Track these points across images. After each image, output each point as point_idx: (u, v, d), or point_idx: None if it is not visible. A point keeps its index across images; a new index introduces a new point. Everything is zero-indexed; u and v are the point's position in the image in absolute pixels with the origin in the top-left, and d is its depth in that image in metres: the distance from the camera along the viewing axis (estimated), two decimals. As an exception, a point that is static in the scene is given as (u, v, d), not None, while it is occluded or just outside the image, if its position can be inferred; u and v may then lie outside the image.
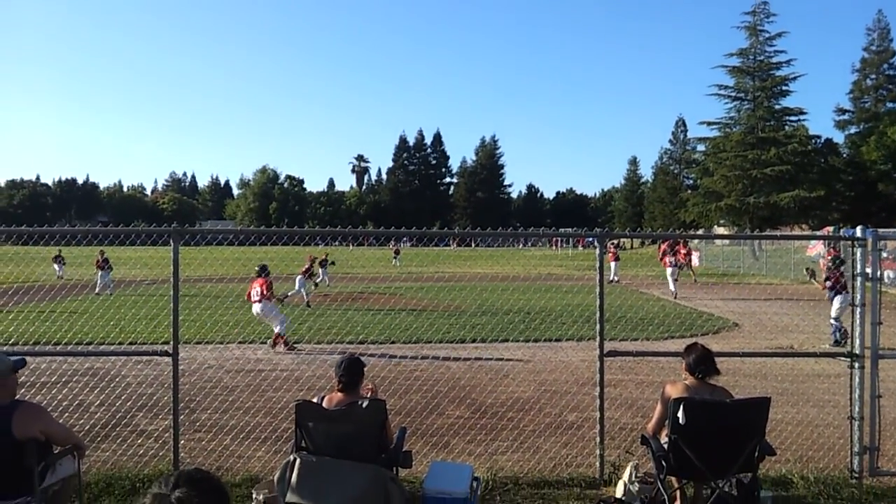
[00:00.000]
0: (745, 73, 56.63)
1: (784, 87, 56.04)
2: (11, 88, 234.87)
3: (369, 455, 4.91)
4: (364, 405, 4.92)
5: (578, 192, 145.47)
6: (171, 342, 6.13)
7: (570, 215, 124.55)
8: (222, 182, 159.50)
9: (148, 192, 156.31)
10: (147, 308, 17.34)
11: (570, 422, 7.95)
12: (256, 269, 13.92)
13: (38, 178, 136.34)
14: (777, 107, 56.31)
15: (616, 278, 29.46)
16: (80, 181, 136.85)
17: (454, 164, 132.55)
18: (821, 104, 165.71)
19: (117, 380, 9.76)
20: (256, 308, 13.48)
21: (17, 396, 4.89)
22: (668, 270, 24.81)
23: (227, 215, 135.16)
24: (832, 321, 13.81)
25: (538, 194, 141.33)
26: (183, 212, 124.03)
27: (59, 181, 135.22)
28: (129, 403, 8.47)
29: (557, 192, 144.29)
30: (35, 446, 4.58)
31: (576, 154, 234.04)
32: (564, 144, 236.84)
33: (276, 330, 13.18)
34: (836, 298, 13.94)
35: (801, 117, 57.03)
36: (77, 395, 8.73)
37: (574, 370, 10.82)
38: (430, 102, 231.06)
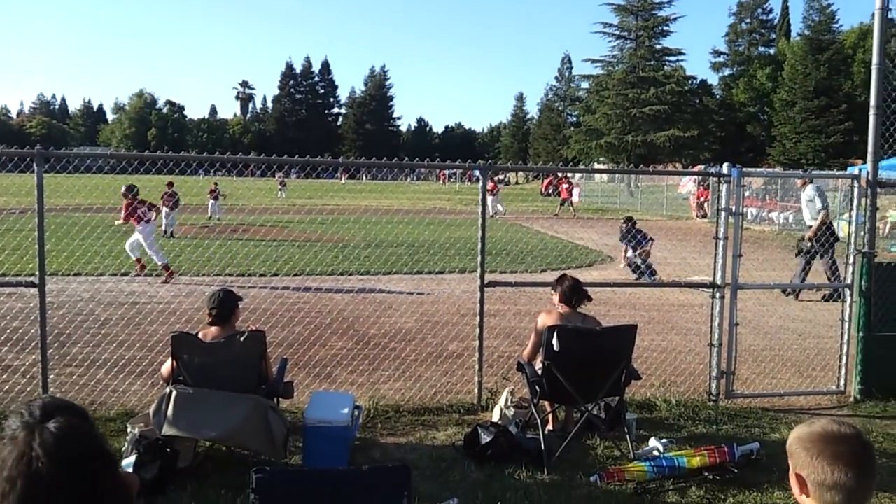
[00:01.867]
0: (628, 11, 57.93)
1: (665, 28, 57.90)
2: None
3: (249, 386, 4.91)
4: (242, 338, 4.89)
5: (467, 127, 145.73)
6: (38, 272, 5.84)
7: (458, 150, 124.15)
8: (95, 106, 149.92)
9: (13, 115, 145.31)
10: (13, 238, 16.31)
11: (451, 351, 8.17)
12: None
13: None
14: (658, 47, 58.16)
15: (494, 213, 30.19)
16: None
17: (343, 94, 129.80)
18: (698, 46, 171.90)
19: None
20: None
21: None
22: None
23: (101, 141, 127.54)
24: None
25: (427, 128, 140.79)
26: (53, 136, 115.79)
27: None
28: (-6, 338, 8.04)
29: (446, 127, 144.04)
30: None
31: (465, 89, 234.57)
32: (454, 79, 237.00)
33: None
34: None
35: (680, 58, 59.25)
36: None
37: (456, 301, 11.05)
38: (318, 29, 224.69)
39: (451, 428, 5.88)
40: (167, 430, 4.68)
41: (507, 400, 5.91)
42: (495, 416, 5.84)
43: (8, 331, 8.39)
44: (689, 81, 60.23)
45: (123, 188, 13.68)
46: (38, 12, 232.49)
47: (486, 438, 5.18)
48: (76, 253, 13.44)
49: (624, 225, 14.56)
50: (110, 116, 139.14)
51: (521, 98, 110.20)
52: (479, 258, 6.45)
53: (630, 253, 14.37)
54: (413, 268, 14.02)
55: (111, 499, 1.84)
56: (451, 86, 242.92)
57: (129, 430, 5.02)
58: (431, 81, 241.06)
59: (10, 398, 6.19)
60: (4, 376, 6.82)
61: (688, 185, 36.17)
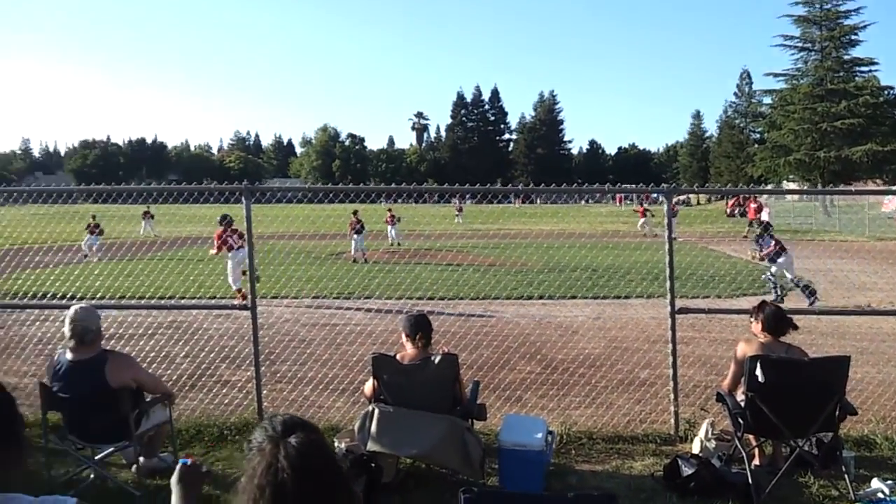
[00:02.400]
0: (811, 22, 54.17)
1: (853, 37, 53.46)
2: (82, 52, 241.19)
3: (444, 407, 5.05)
4: (437, 360, 5.05)
5: (641, 147, 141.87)
6: (250, 296, 6.36)
7: (632, 171, 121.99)
8: (285, 141, 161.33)
9: (214, 151, 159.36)
10: (223, 264, 17.80)
11: (643, 379, 7.96)
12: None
13: (108, 138, 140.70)
14: (846, 57, 53.80)
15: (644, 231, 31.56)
16: (149, 141, 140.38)
17: (513, 120, 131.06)
18: (893, 54, 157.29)
19: (199, 333, 10.13)
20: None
21: (107, 348, 5.15)
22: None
23: (291, 173, 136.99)
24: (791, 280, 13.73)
25: (599, 150, 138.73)
26: (249, 170, 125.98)
27: (130, 141, 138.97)
28: (212, 355, 8.81)
29: (619, 148, 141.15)
30: (128, 394, 4.84)
31: (638, 109, 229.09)
32: (626, 99, 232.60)
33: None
34: (778, 261, 13.71)
35: (872, 68, 54.37)
36: (163, 347, 9.11)
37: (644, 327, 10.78)
38: (486, 58, 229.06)
39: (648, 458, 5.72)
40: (371, 447, 4.91)
41: (707, 431, 5.66)
42: (695, 448, 5.62)
43: (225, 349, 9.19)
44: (885, 92, 55.14)
45: (218, 218, 14.30)
46: (235, 57, 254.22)
47: (687, 470, 4.99)
48: (279, 277, 14.51)
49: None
50: (298, 150, 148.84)
51: (698, 116, 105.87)
52: (667, 283, 6.27)
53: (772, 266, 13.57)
54: (595, 292, 13.84)
55: None
56: (624, 106, 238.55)
57: (336, 444, 5.32)
58: (602, 103, 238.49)
59: (229, 411, 6.74)
60: (224, 391, 7.46)
61: (893, 203, 33.15)
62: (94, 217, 23.66)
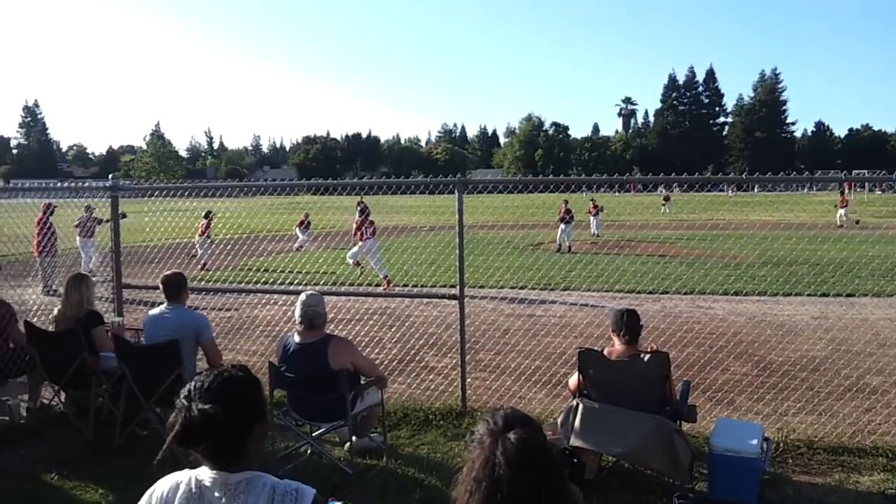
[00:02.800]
0: None
1: None
2: (307, 57, 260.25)
3: (652, 407, 4.87)
4: (646, 358, 4.88)
5: (876, 128, 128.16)
6: (458, 287, 6.51)
7: (865, 155, 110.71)
8: (490, 131, 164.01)
9: (423, 143, 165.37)
10: (426, 253, 18.44)
11: (873, 386, 7.22)
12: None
13: (328, 133, 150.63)
14: None
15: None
16: (363, 135, 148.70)
17: (729, 102, 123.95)
18: None
19: (406, 320, 10.57)
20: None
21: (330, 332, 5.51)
22: None
23: (494, 164, 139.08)
24: None
25: (827, 132, 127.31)
26: (454, 161, 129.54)
27: (347, 136, 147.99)
28: (419, 341, 9.14)
29: (850, 130, 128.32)
30: (347, 376, 5.14)
31: (873, 85, 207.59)
32: (858, 75, 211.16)
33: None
34: None
35: None
36: (371, 332, 9.60)
37: (874, 329, 9.79)
38: (701, 38, 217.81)
39: (878, 473, 5.18)
40: (574, 442, 4.86)
41: (952, 449, 5.04)
42: (937, 467, 5.01)
43: (430, 336, 9.50)
44: None
45: (359, 207, 15.65)
46: (441, 52, 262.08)
47: (927, 491, 4.47)
48: (479, 267, 14.79)
49: None
50: (502, 140, 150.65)
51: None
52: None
53: None
54: (817, 289, 12.75)
55: None
56: (856, 83, 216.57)
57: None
58: (831, 80, 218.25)
59: (434, 396, 6.96)
60: (430, 377, 7.72)
61: None
62: (306, 215, 25.31)
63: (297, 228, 24.71)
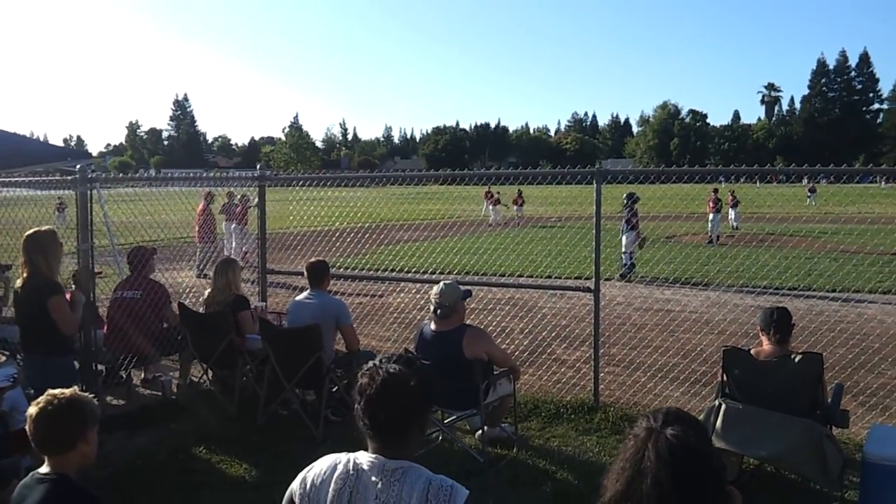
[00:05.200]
0: None
1: None
2: (434, 44, 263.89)
3: (801, 410, 4.63)
4: (797, 359, 4.64)
5: None
6: (594, 279, 6.41)
7: None
8: (622, 120, 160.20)
9: (552, 133, 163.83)
10: (554, 244, 18.26)
11: None
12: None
13: (457, 124, 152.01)
14: None
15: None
16: (492, 125, 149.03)
17: (885, 87, 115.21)
18: None
19: (535, 310, 10.52)
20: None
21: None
22: None
23: (626, 153, 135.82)
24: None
25: None
26: (584, 151, 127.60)
27: (475, 126, 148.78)
28: (549, 333, 9.09)
29: None
30: (480, 366, 5.18)
31: None
32: None
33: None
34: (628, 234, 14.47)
35: None
36: (501, 321, 9.62)
37: None
38: (856, 19, 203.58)
39: None
40: (715, 443, 4.65)
41: None
42: None
43: (559, 328, 9.42)
44: None
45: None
46: (568, 37, 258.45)
47: None
48: (614, 261, 14.51)
49: None
50: (635, 129, 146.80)
51: None
52: None
53: None
54: None
55: None
56: None
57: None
58: None
59: (565, 389, 6.90)
60: (561, 369, 7.65)
61: None
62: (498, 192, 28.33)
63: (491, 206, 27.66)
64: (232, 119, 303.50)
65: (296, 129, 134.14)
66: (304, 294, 6.22)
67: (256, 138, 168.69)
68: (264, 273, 8.19)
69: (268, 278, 8.41)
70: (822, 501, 4.56)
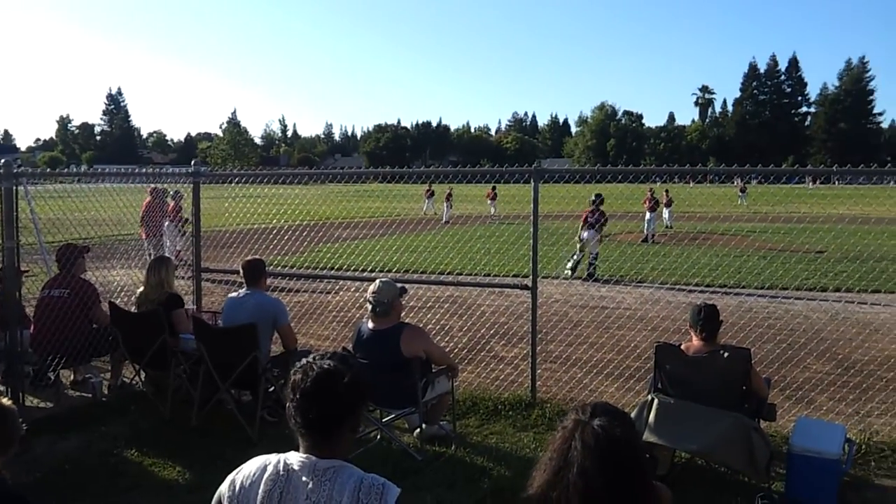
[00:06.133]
0: None
1: None
2: (382, 42, 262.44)
3: (730, 404, 4.76)
4: (726, 354, 4.77)
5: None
6: (531, 276, 6.47)
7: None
8: (561, 120, 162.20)
9: (492, 132, 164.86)
10: (494, 243, 18.37)
11: (965, 389, 6.88)
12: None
13: (398, 122, 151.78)
14: None
15: None
16: (433, 124, 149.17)
17: (812, 91, 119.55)
18: None
19: (474, 308, 10.57)
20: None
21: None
22: None
23: (565, 153, 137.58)
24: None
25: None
26: (524, 150, 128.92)
27: (417, 124, 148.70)
28: (488, 331, 9.13)
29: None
30: (418, 364, 5.18)
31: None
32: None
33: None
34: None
35: None
36: (440, 319, 9.63)
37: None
38: (785, 24, 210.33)
39: (970, 481, 4.95)
40: (648, 437, 4.77)
41: None
42: None
43: (498, 325, 9.49)
44: None
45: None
46: (511, 40, 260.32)
47: None
48: (551, 258, 14.67)
49: None
50: (574, 129, 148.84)
51: None
52: None
53: None
54: (903, 286, 12.22)
55: (640, 500, 1.96)
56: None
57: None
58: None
59: (503, 386, 6.95)
60: (500, 366, 7.70)
61: None
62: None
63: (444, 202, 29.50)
64: (168, 114, 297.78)
65: (234, 124, 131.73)
66: (240, 293, 6.11)
67: (193, 134, 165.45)
68: (199, 271, 8.03)
69: (203, 277, 8.25)
70: (750, 493, 4.69)
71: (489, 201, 33.04)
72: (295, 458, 2.10)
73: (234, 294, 6.18)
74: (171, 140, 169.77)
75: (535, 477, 2.00)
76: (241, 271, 6.11)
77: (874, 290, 12.00)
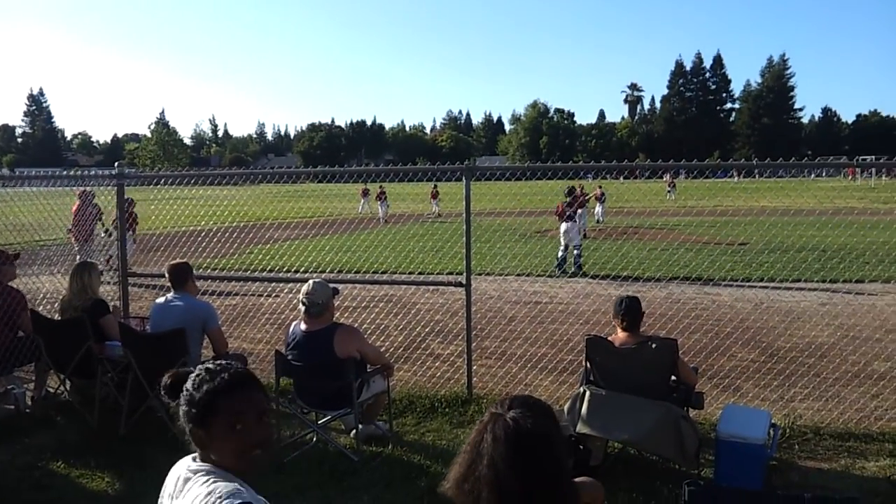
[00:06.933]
0: None
1: None
2: (312, 43, 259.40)
3: (659, 393, 4.87)
4: (654, 345, 4.88)
5: (885, 113, 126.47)
6: (465, 273, 6.50)
7: (874, 141, 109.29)
8: (495, 118, 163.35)
9: (427, 130, 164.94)
10: (431, 240, 18.40)
11: (881, 372, 7.19)
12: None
13: (332, 121, 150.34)
14: None
15: None
16: (368, 123, 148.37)
17: (736, 88, 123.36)
18: None
19: (410, 307, 10.57)
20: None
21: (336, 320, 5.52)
22: None
23: (499, 151, 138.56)
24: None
25: (834, 118, 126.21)
26: (459, 149, 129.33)
27: (351, 123, 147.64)
28: (424, 328, 9.14)
29: (858, 116, 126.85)
30: (353, 364, 5.14)
31: (884, 70, 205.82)
32: (869, 59, 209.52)
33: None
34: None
35: None
36: (376, 319, 9.60)
37: (880, 315, 9.76)
38: (710, 23, 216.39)
39: (884, 459, 5.18)
40: (581, 429, 4.85)
41: (961, 435, 5.02)
42: (943, 452, 5.00)
43: (434, 323, 9.51)
44: None
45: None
46: (449, 36, 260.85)
47: (935, 477, 4.46)
48: (485, 255, 14.77)
49: None
50: (507, 127, 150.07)
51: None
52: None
53: None
54: (824, 275, 12.72)
55: (551, 493, 1.96)
56: (866, 68, 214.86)
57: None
58: (840, 65, 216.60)
59: (440, 384, 6.96)
60: (436, 364, 7.72)
61: None
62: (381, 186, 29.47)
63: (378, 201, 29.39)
64: (93, 115, 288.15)
65: (162, 125, 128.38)
66: (167, 297, 5.96)
67: (120, 135, 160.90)
68: (125, 276, 7.81)
69: (130, 282, 8.02)
70: (681, 480, 4.81)
71: (432, 200, 32.98)
72: (186, 463, 2.07)
73: (160, 299, 6.02)
74: (97, 142, 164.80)
75: (451, 470, 2.00)
76: (168, 275, 5.96)
77: (796, 280, 12.49)
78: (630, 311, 5.00)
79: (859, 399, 6.41)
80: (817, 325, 9.34)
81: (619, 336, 5.05)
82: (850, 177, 68.30)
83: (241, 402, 1.99)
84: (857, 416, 5.95)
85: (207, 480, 1.95)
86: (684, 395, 5.00)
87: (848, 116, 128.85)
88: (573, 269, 14.50)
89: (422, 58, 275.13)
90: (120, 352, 5.88)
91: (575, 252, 14.79)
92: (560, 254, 14.83)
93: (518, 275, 13.83)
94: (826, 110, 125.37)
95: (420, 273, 13.47)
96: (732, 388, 6.80)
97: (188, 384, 2.03)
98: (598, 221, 26.41)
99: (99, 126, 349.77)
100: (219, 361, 2.09)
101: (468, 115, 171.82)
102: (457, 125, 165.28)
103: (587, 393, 4.90)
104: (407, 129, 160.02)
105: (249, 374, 2.09)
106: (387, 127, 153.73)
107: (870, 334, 8.66)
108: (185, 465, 2.05)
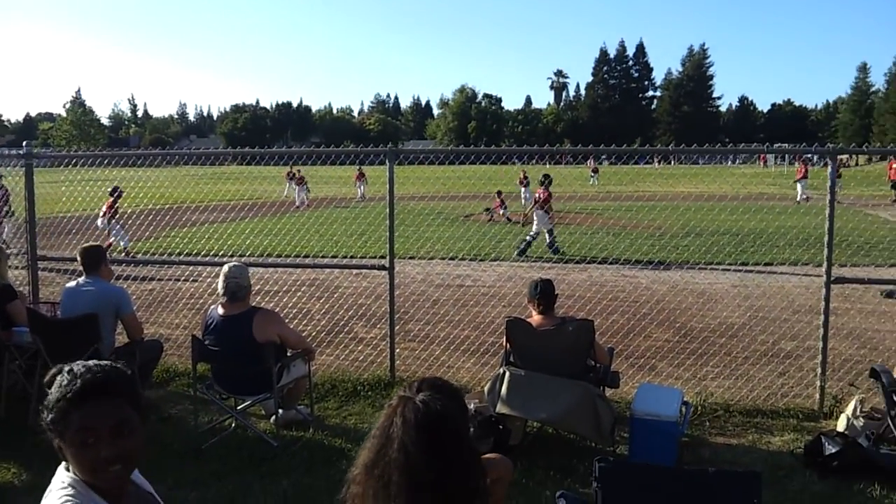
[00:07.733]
0: None
1: None
2: (234, 21, 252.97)
3: (576, 374, 4.98)
4: (571, 327, 4.98)
5: (797, 103, 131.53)
6: (388, 257, 6.49)
7: (787, 130, 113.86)
8: (423, 103, 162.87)
9: (355, 114, 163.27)
10: (356, 224, 18.30)
11: (787, 351, 7.53)
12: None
13: (257, 102, 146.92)
14: None
15: (803, 198, 27.47)
16: (294, 105, 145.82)
17: (658, 76, 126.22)
18: None
19: (334, 291, 10.50)
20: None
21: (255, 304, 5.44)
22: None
23: (427, 135, 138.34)
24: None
25: (751, 107, 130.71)
26: (387, 132, 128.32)
27: (277, 105, 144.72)
28: (347, 312, 9.11)
29: (773, 105, 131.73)
30: (272, 349, 5.08)
31: (796, 62, 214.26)
32: (782, 51, 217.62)
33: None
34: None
35: None
36: (299, 302, 9.50)
37: (789, 296, 10.21)
38: (633, 11, 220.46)
39: (788, 433, 5.43)
40: (500, 409, 4.93)
41: (855, 409, 5.29)
42: (840, 426, 5.27)
43: (357, 307, 9.47)
44: None
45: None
46: (378, 21, 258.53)
47: (831, 449, 4.71)
48: (410, 238, 14.77)
49: None
50: (436, 111, 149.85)
51: (864, 69, 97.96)
52: (825, 251, 5.86)
53: None
54: (737, 258, 13.22)
55: (462, 474, 1.98)
56: (779, 59, 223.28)
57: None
58: (756, 55, 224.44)
59: (363, 367, 6.95)
60: (359, 347, 7.70)
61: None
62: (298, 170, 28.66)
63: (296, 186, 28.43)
64: (3, 93, 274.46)
65: (78, 104, 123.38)
66: (78, 281, 5.76)
67: (33, 114, 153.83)
68: (34, 260, 7.50)
69: (40, 266, 7.71)
70: (595, 457, 4.94)
71: (357, 182, 32.70)
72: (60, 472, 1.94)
73: (72, 283, 5.81)
74: (8, 121, 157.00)
75: (360, 455, 1.98)
76: (79, 258, 5.75)
77: (711, 263, 12.93)
78: (545, 295, 5.10)
79: (767, 377, 6.69)
80: (729, 306, 9.71)
81: (536, 318, 5.14)
82: (761, 164, 70.76)
83: (93, 414, 1.77)
84: (764, 394, 6.21)
85: (61, 499, 1.81)
86: (601, 374, 5.13)
87: (763, 105, 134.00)
88: (552, 252, 14.79)
89: (349, 39, 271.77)
90: (28, 338, 5.66)
91: (549, 237, 15.04)
92: (528, 238, 15.02)
93: (443, 258, 13.88)
94: (743, 99, 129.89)
95: (344, 257, 13.39)
96: (648, 367, 7.01)
97: (53, 385, 1.83)
98: (523, 206, 26.68)
99: (10, 105, 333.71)
100: (86, 362, 1.86)
101: (396, 98, 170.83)
102: (385, 109, 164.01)
103: (507, 374, 4.97)
104: (334, 111, 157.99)
105: (107, 381, 1.83)
106: (314, 109, 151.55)
107: (778, 314, 9.06)
108: (58, 474, 1.89)
